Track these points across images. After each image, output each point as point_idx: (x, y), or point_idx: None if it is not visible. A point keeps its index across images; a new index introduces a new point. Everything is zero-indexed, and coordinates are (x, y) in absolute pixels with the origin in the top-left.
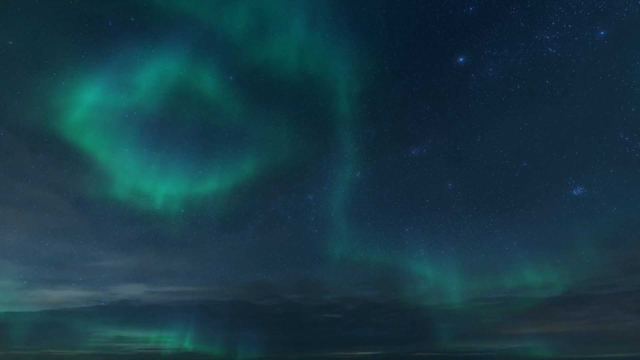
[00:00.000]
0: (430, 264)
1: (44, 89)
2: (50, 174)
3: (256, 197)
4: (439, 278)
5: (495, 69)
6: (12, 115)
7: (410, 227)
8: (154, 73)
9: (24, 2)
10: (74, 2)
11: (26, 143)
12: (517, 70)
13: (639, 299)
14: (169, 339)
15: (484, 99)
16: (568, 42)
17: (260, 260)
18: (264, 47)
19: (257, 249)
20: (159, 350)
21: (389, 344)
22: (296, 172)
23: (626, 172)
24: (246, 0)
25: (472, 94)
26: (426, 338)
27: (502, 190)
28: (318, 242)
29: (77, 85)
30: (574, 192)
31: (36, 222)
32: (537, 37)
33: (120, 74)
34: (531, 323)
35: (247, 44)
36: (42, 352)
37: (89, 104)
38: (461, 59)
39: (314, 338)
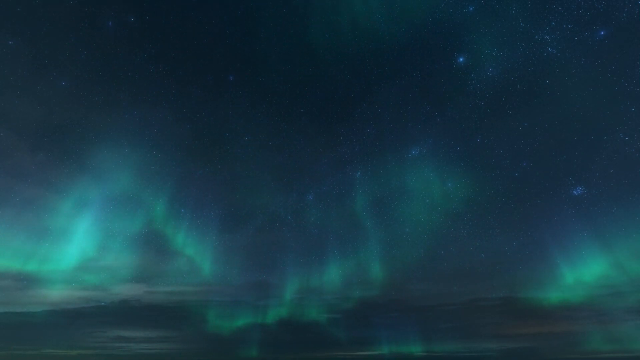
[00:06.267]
0: (430, 264)
1: (44, 89)
2: (50, 174)
3: (256, 197)
4: (438, 278)
5: (495, 69)
6: (12, 115)
7: (410, 227)
8: None
9: (24, 2)
10: (74, 2)
11: (26, 143)
12: (517, 70)
13: (639, 299)
14: (170, 339)
15: (484, 99)
16: (568, 42)
17: (260, 260)
18: (264, 48)
19: (257, 249)
20: (159, 350)
21: (389, 344)
22: (296, 172)
23: (626, 172)
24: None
25: (472, 94)
26: (426, 338)
27: (502, 190)
28: (318, 242)
29: (77, 85)
30: (574, 192)
31: (36, 222)
32: (537, 37)
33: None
34: (531, 323)
35: (248, 44)
36: (42, 352)
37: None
38: (461, 59)
39: (314, 338)
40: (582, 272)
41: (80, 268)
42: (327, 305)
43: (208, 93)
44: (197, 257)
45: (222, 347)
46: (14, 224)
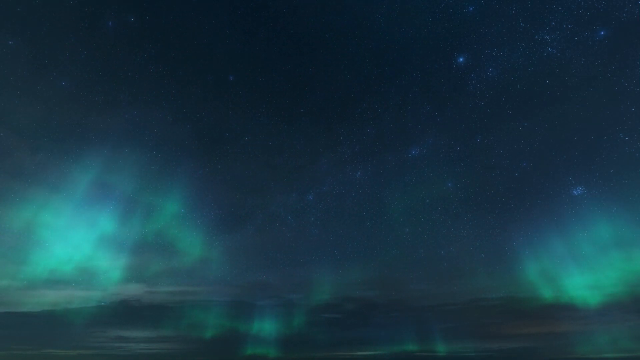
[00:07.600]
0: (430, 264)
1: (44, 89)
2: (51, 174)
3: (256, 197)
4: (438, 278)
5: (495, 69)
6: (12, 115)
7: (410, 227)
8: None
9: (24, 2)
10: (74, 2)
11: (26, 143)
12: (517, 70)
13: (638, 299)
14: (170, 339)
15: (484, 99)
16: (568, 42)
17: (260, 260)
18: (264, 48)
19: (257, 249)
20: (159, 350)
21: (389, 344)
22: (296, 172)
23: (626, 172)
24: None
25: (472, 94)
26: (426, 338)
27: (502, 190)
28: (318, 242)
29: (77, 85)
30: (574, 192)
31: (36, 222)
32: (537, 37)
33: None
34: (531, 323)
35: (248, 44)
36: (42, 352)
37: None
38: (461, 59)
39: (314, 338)
40: (582, 272)
41: (80, 268)
42: (327, 305)
43: (208, 93)
44: (197, 257)
45: (222, 347)
46: (14, 224)
